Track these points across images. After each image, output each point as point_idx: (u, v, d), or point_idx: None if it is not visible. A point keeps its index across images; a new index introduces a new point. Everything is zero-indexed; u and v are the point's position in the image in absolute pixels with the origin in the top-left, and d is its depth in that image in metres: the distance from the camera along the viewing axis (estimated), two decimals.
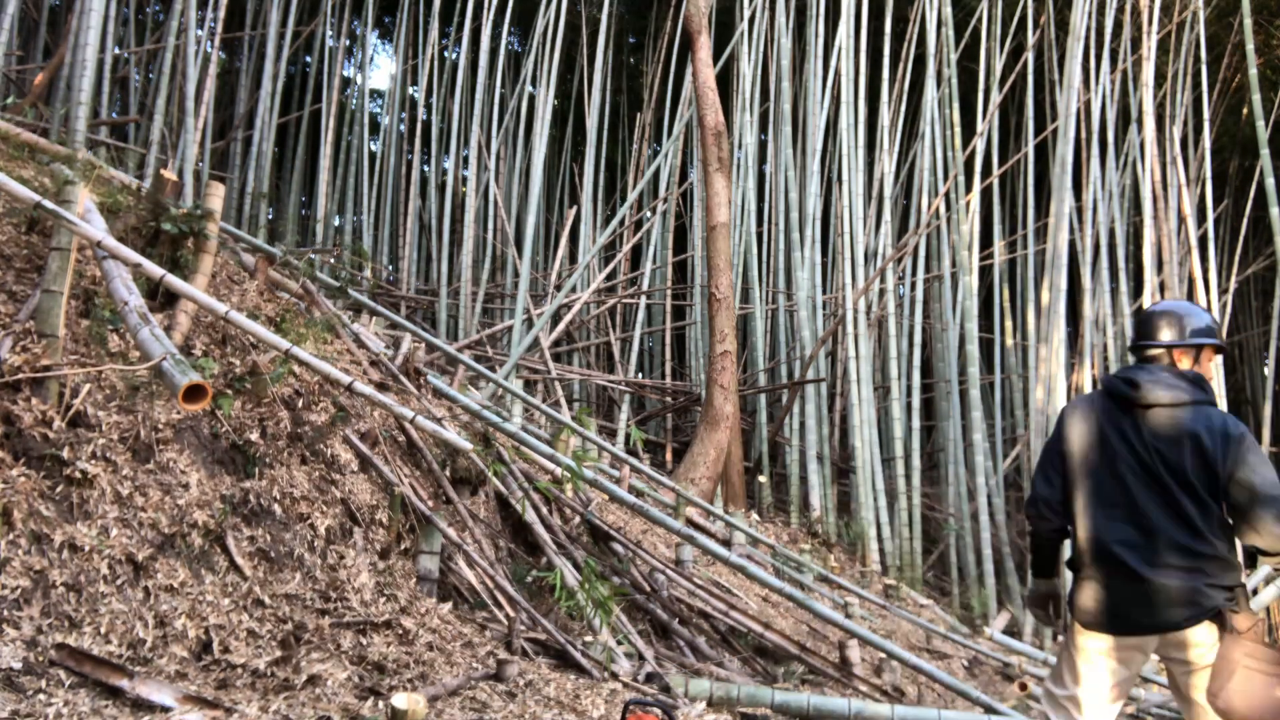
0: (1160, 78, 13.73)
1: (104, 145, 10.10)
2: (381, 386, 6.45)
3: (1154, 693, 7.52)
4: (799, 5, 14.94)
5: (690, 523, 8.36)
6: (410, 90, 18.27)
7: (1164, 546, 2.62)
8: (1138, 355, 2.93)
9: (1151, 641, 2.71)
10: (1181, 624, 2.61)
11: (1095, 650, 2.78)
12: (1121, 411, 2.76)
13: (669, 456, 12.99)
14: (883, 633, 8.01)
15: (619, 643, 5.47)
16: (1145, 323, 2.93)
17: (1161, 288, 12.08)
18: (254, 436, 4.90)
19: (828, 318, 14.12)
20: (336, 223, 16.96)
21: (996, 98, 13.28)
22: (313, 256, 8.21)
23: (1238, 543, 2.72)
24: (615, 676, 4.98)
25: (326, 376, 4.95)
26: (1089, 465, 2.76)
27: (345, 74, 17.43)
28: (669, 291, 16.40)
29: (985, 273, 15.88)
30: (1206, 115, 12.55)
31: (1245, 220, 15.12)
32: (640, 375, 16.00)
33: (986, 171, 13.64)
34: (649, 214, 16.22)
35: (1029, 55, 13.63)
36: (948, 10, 12.94)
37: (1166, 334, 2.83)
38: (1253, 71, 11.69)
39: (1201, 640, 2.61)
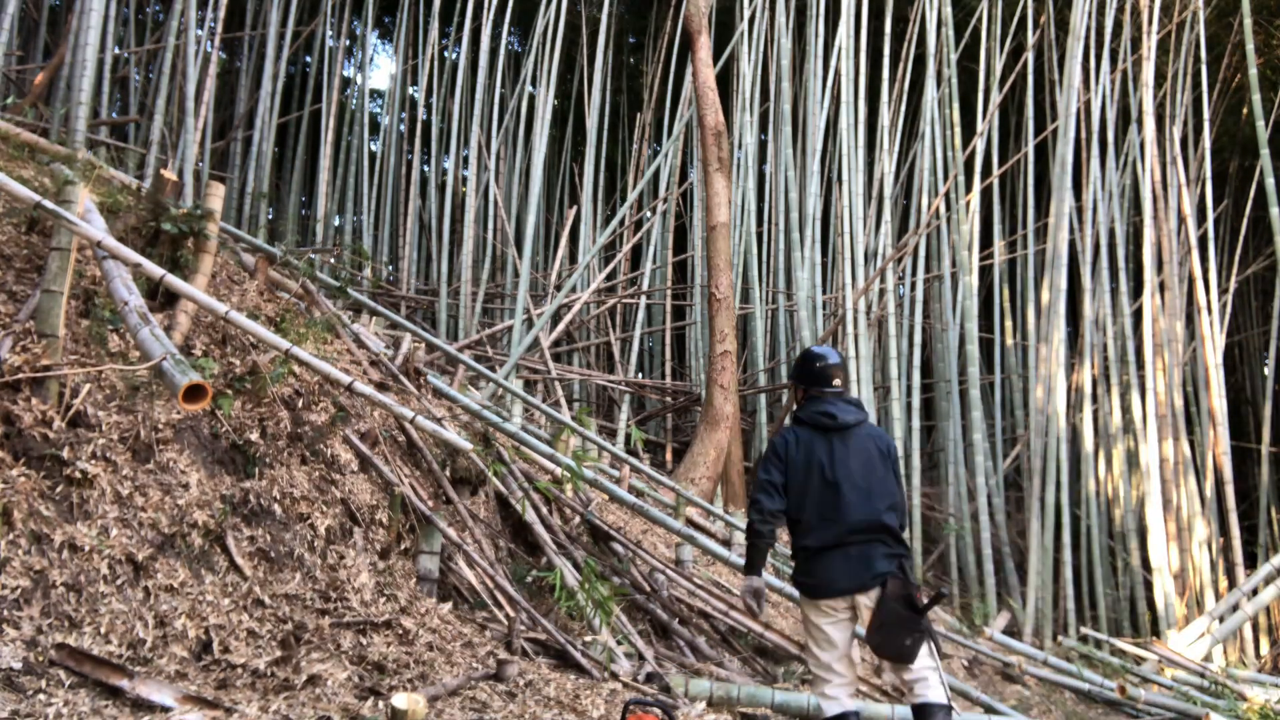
0: (1160, 78, 13.72)
1: (104, 145, 10.09)
2: (381, 386, 6.45)
3: (1154, 693, 7.53)
4: (799, 5, 14.93)
5: (690, 523, 8.36)
6: (410, 90, 18.27)
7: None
8: (822, 394, 3.73)
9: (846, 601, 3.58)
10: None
11: (826, 613, 3.64)
12: (821, 435, 3.64)
13: (669, 456, 12.99)
14: None
15: (619, 643, 5.47)
16: (823, 368, 3.76)
17: (1161, 287, 12.07)
18: (254, 436, 4.90)
19: (828, 318, 14.12)
20: (336, 223, 16.96)
21: (996, 98, 13.27)
22: (313, 256, 8.21)
23: None
24: (615, 676, 4.98)
25: (326, 376, 4.95)
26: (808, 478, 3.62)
27: (345, 74, 17.43)
28: (669, 291, 16.40)
29: (985, 273, 15.87)
30: (1206, 115, 12.54)
31: (1245, 220, 15.11)
32: (640, 375, 16.00)
33: (986, 171, 13.63)
34: (649, 214, 16.22)
35: (1029, 55, 13.62)
36: (948, 10, 12.94)
37: (840, 375, 3.76)
38: (1253, 71, 11.68)
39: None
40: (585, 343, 15.43)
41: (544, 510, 6.43)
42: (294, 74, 18.24)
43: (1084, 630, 10.40)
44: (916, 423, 12.58)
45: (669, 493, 8.84)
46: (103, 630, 3.49)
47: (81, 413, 4.13)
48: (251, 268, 6.86)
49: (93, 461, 3.98)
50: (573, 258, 16.16)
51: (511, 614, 5.24)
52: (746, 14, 13.73)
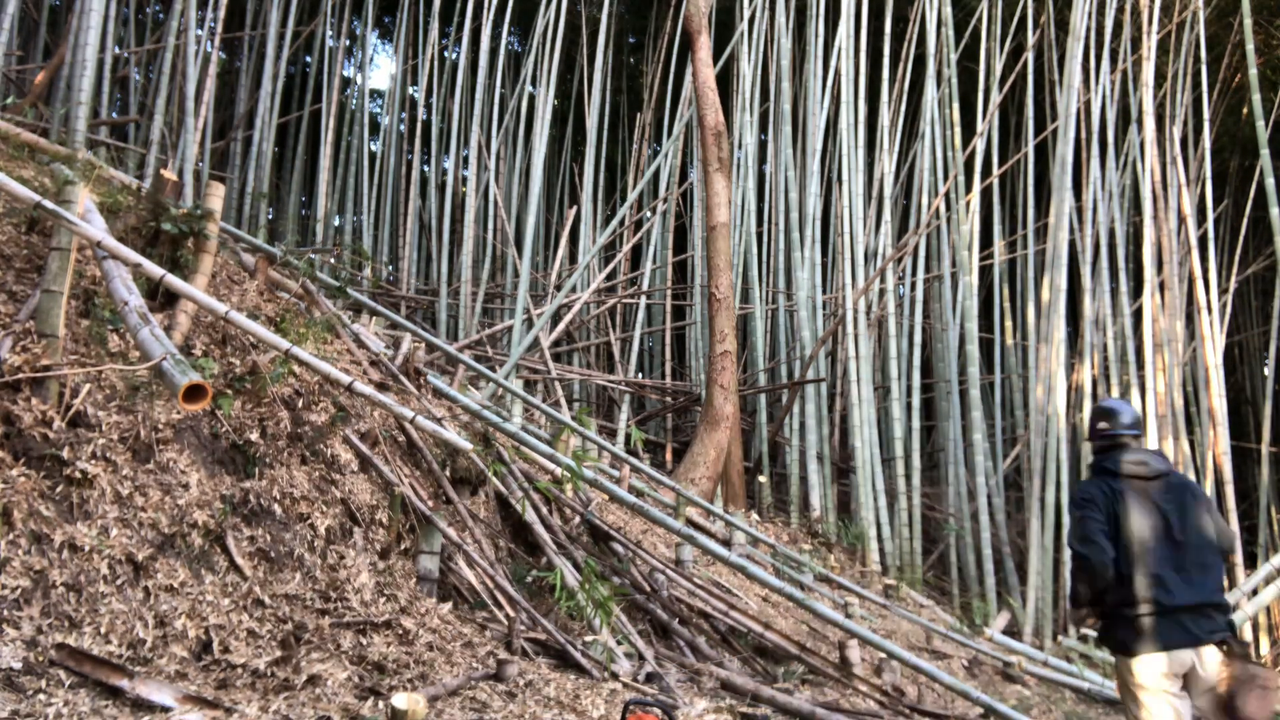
0: (1160, 78, 13.71)
1: (104, 145, 10.09)
2: (381, 386, 6.45)
3: None
4: (799, 5, 14.93)
5: (690, 523, 8.36)
6: (410, 90, 18.27)
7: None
8: (1115, 442, 3.59)
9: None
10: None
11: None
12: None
13: (669, 456, 12.98)
14: (883, 633, 8.01)
15: (619, 643, 5.47)
16: (1123, 416, 3.66)
17: (1161, 287, 12.07)
18: (254, 436, 4.90)
19: (828, 318, 14.12)
20: (336, 223, 16.96)
21: (996, 98, 13.27)
22: (313, 256, 8.20)
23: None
24: (615, 676, 4.98)
25: (326, 376, 4.95)
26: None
27: (345, 74, 17.43)
28: (669, 291, 16.40)
29: (985, 272, 15.87)
30: (1206, 115, 12.54)
31: (1245, 220, 15.11)
32: (640, 375, 16.00)
33: (986, 171, 13.63)
34: (649, 214, 16.22)
35: (1029, 55, 13.62)
36: (948, 10, 12.93)
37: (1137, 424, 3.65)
38: (1253, 71, 11.68)
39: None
40: (585, 343, 15.43)
41: (544, 510, 6.43)
42: (294, 74, 18.24)
43: (1084, 630, 10.39)
44: (916, 423, 12.57)
45: (669, 493, 8.84)
46: (103, 630, 3.49)
47: (81, 413, 4.13)
48: (251, 268, 6.86)
49: (93, 461, 3.98)
50: (573, 258, 16.15)
51: (511, 614, 5.24)
52: (746, 14, 13.73)
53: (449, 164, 16.83)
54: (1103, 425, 3.62)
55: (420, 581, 5.17)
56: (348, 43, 17.86)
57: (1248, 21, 12.02)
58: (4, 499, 3.53)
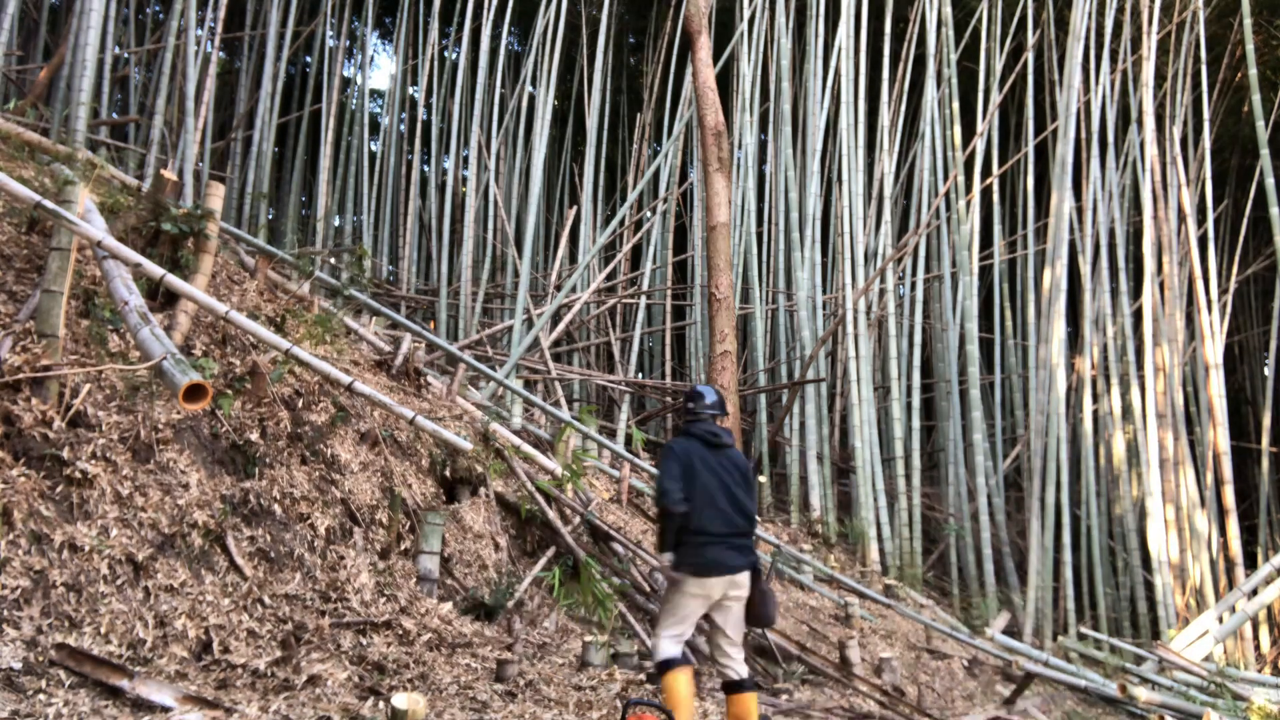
0: (1160, 78, 13.72)
1: (104, 145, 10.09)
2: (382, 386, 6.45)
3: (1154, 692, 7.52)
4: (799, 5, 14.93)
5: None
6: (410, 90, 18.27)
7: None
8: (704, 418, 4.30)
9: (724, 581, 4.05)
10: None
11: (697, 590, 4.06)
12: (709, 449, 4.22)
13: None
14: (884, 632, 8.02)
15: (620, 642, 5.46)
16: (712, 399, 4.38)
17: (1162, 287, 12.07)
18: (254, 436, 4.90)
19: (828, 318, 14.11)
20: (336, 223, 16.95)
21: (996, 98, 13.27)
22: (313, 256, 8.20)
23: None
24: (615, 677, 4.98)
25: (326, 376, 4.95)
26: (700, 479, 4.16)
27: (345, 74, 17.43)
28: (669, 291, 16.40)
29: (985, 272, 15.87)
30: (1206, 115, 12.53)
31: (1245, 220, 15.11)
32: (640, 375, 16.00)
33: (986, 171, 13.63)
34: (649, 214, 16.22)
35: (1029, 55, 13.62)
36: (948, 10, 12.93)
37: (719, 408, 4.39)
38: (1253, 72, 11.68)
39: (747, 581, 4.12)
40: (585, 343, 15.43)
41: (544, 510, 6.43)
42: (294, 74, 18.24)
43: (1083, 630, 10.39)
44: (916, 423, 12.58)
45: None
46: (103, 630, 3.49)
47: (81, 413, 4.13)
48: (251, 268, 6.86)
49: (93, 461, 3.98)
50: (573, 258, 16.16)
51: (511, 614, 5.24)
52: (746, 14, 13.73)
53: (449, 164, 16.83)
54: (691, 405, 4.38)
55: (420, 581, 5.17)
56: (348, 43, 17.87)
57: (1248, 22, 12.02)
58: (4, 499, 3.53)
